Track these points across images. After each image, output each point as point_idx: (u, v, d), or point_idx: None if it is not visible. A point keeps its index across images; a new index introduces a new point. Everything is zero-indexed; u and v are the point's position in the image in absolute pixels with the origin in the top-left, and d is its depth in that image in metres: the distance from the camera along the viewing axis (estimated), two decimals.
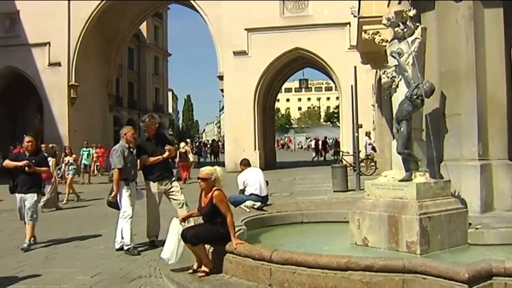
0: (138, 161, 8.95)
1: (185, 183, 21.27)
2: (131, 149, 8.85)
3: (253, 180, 9.91)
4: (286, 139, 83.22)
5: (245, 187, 9.97)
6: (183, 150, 23.14)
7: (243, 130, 28.61)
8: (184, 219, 6.75)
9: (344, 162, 22.36)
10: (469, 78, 7.30)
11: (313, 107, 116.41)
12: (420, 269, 4.85)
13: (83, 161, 24.19)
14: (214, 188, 6.54)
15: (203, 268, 6.27)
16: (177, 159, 22.10)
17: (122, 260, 7.83)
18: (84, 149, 25.04)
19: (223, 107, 34.77)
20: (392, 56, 6.99)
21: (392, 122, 7.31)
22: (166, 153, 8.92)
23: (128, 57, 52.59)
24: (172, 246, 6.46)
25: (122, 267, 7.33)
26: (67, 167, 17.06)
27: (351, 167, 20.47)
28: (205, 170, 6.67)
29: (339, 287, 5.12)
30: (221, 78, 29.78)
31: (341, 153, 26.32)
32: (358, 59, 19.74)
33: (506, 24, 7.46)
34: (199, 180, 6.64)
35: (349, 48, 26.60)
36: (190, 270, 6.34)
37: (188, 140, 31.16)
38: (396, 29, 7.03)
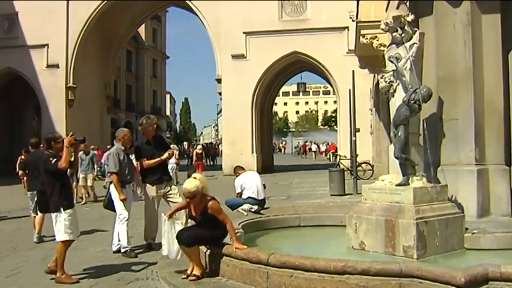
0: (138, 164, 8.96)
1: None
2: (127, 152, 8.84)
3: (250, 183, 9.92)
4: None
5: (242, 190, 9.98)
6: (200, 152, 27.02)
7: (241, 133, 28.66)
8: (171, 215, 6.67)
9: (341, 166, 22.39)
10: (467, 83, 7.32)
11: (311, 111, 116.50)
12: (417, 273, 4.87)
13: None
14: (208, 198, 6.32)
15: (194, 272, 6.25)
16: (194, 159, 26.70)
17: (119, 262, 7.82)
18: None
19: (221, 110, 34.79)
20: (390, 61, 7.00)
21: (389, 127, 7.33)
22: (165, 155, 8.93)
23: (126, 60, 52.59)
24: (166, 244, 6.56)
25: (118, 270, 7.32)
26: None
27: (348, 171, 20.51)
28: (188, 188, 6.21)
29: None
30: (219, 81, 29.85)
31: (338, 157, 26.36)
32: (356, 63, 19.75)
33: (504, 29, 7.50)
34: (187, 199, 6.33)
35: (347, 53, 26.68)
36: (184, 276, 6.29)
37: (186, 143, 32.29)
38: (394, 33, 7.05)
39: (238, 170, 10.58)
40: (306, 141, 68.74)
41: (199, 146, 31.36)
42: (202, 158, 27.27)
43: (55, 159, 6.83)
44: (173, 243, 6.48)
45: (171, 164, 24.55)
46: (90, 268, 7.45)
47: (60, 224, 6.82)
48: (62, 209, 6.82)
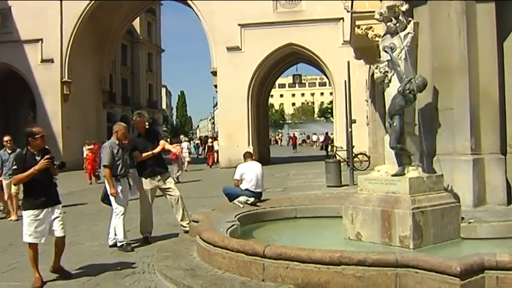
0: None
1: (211, 167, 29.52)
2: (122, 146, 8.78)
3: (250, 175, 9.83)
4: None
5: (242, 180, 9.91)
6: (211, 144, 32.02)
7: (237, 126, 28.61)
8: None
9: (337, 157, 22.39)
10: (462, 73, 7.31)
11: (307, 103, 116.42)
12: (413, 263, 4.87)
13: None
14: None
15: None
16: (205, 150, 33.22)
17: (116, 256, 7.81)
18: None
19: (217, 103, 34.78)
20: (385, 51, 6.98)
21: (385, 117, 7.32)
22: (158, 148, 8.89)
23: (121, 54, 52.45)
24: None
25: (115, 264, 7.30)
26: None
27: (345, 162, 20.52)
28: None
29: (332, 281, 5.13)
30: (215, 74, 29.77)
31: (334, 148, 26.35)
32: (352, 54, 19.74)
33: (498, 18, 7.48)
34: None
35: (342, 44, 26.65)
36: None
37: (183, 136, 33.61)
38: (389, 23, 7.03)
39: (246, 157, 10.54)
40: (295, 133, 68.45)
41: (210, 140, 35.05)
42: (213, 149, 31.40)
43: (16, 169, 6.55)
44: None
45: (185, 152, 25.09)
46: (87, 262, 7.43)
47: (24, 224, 6.53)
48: (22, 209, 6.66)
